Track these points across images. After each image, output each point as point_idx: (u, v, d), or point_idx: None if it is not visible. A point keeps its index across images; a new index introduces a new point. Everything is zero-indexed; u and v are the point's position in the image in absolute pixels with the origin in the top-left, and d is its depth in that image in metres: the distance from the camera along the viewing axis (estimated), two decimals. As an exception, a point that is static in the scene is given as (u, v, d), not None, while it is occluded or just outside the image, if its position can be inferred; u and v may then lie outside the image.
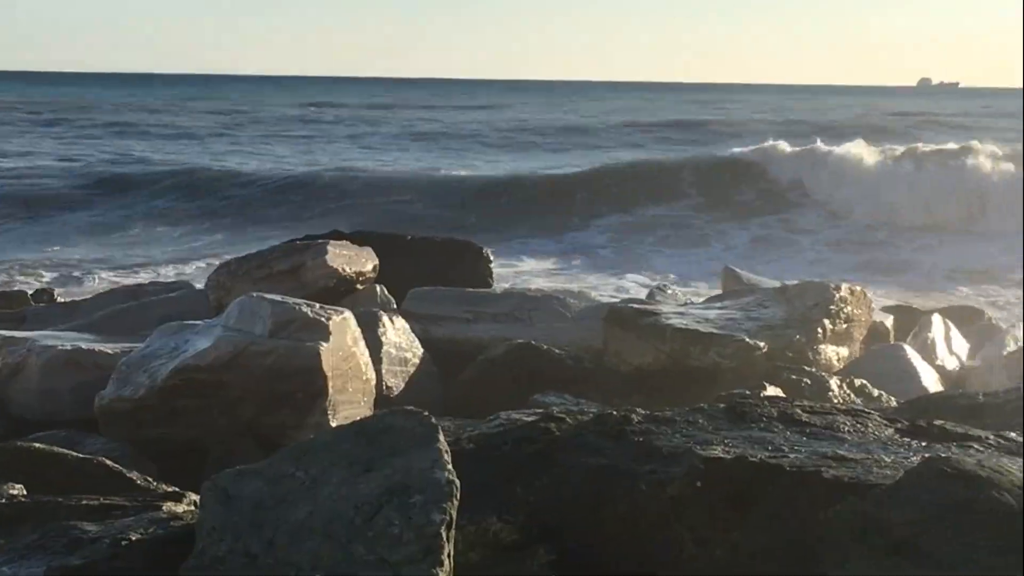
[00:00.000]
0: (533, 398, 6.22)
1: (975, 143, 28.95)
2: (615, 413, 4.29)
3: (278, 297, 6.14)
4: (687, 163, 30.80)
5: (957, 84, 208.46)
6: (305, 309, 5.95)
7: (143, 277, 16.64)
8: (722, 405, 4.50)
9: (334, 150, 43.41)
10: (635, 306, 7.72)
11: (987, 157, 27.34)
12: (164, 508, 4.01)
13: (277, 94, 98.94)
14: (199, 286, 9.35)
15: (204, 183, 30.14)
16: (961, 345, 8.53)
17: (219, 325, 6.09)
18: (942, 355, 8.16)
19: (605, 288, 16.40)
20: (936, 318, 8.58)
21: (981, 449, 4.00)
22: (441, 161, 38.68)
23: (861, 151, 29.01)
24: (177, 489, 4.50)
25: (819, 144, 30.35)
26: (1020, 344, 8.13)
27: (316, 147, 44.87)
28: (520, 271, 19.13)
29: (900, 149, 29.38)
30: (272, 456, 3.66)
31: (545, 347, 7.32)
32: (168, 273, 17.90)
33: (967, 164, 27.06)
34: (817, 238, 24.15)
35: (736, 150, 32.29)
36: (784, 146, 30.75)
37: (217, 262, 11.93)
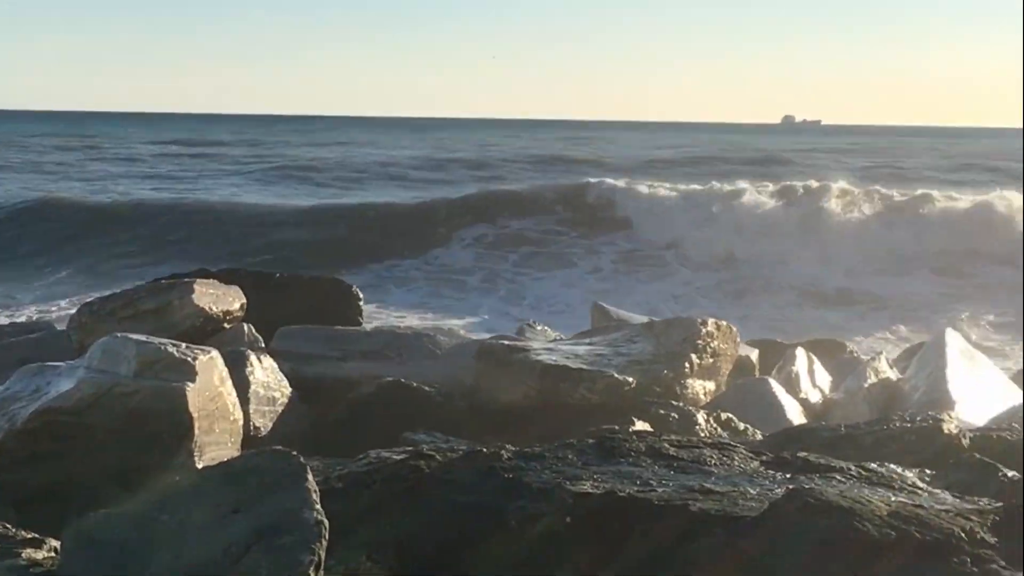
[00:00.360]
0: (403, 436, 6.17)
1: (825, 179, 29.96)
2: (484, 450, 4.29)
3: (143, 337, 6.00)
4: (544, 190, 31.34)
5: (819, 122, 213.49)
6: (171, 349, 5.84)
7: (2, 319, 16.21)
8: (591, 440, 4.53)
9: (197, 183, 42.96)
10: (506, 343, 7.73)
11: (836, 193, 28.18)
12: (23, 555, 3.90)
13: (140, 131, 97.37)
14: (61, 327, 9.13)
15: (61, 215, 29.64)
16: (824, 378, 8.67)
17: (82, 366, 5.93)
18: (806, 388, 8.28)
19: (474, 324, 16.47)
20: (800, 351, 8.72)
21: (843, 480, 4.09)
22: (312, 192, 38.62)
23: (716, 187, 29.77)
24: (37, 535, 4.37)
25: (669, 183, 31.14)
26: (881, 376, 8.28)
27: (178, 181, 44.35)
28: (389, 306, 19.10)
29: (745, 185, 30.04)
30: (137, 499, 3.59)
31: (415, 385, 7.28)
32: (30, 313, 17.47)
33: (816, 198, 27.90)
34: (663, 272, 24.62)
35: (587, 180, 32.58)
36: (637, 182, 31.36)
37: (79, 302, 11.67)
